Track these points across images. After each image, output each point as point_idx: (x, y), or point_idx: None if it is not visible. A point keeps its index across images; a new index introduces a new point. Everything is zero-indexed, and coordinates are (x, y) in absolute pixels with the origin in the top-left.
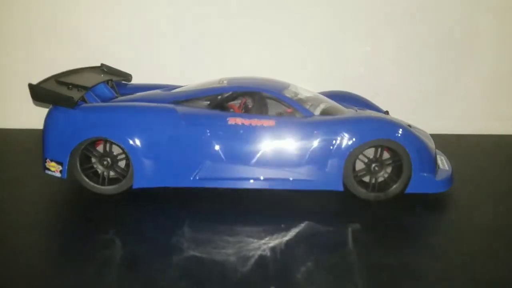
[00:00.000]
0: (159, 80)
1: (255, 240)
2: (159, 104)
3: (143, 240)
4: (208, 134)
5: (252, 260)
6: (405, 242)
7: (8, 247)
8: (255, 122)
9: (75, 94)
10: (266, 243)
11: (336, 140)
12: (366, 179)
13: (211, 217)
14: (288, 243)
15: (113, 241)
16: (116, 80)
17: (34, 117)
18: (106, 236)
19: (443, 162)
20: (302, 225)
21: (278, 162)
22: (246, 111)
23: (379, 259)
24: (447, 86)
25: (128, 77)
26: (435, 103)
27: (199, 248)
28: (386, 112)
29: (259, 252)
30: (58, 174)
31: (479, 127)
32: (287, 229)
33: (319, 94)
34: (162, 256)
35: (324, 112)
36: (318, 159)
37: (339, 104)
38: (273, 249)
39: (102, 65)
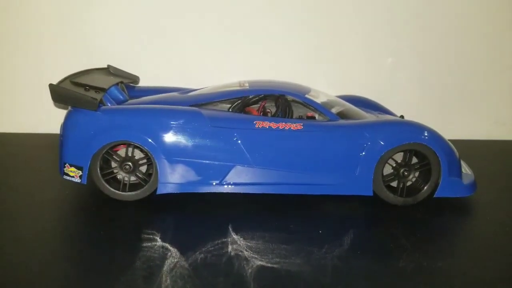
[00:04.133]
0: (165, 83)
1: (316, 249)
2: (184, 107)
3: (194, 248)
4: (235, 137)
5: (329, 270)
6: (446, 245)
7: (39, 258)
8: (282, 125)
9: (95, 96)
10: (328, 252)
11: (366, 144)
12: (394, 183)
13: (250, 224)
14: (349, 251)
15: (166, 249)
16: (125, 83)
17: (40, 121)
18: (152, 244)
19: (464, 167)
20: (350, 233)
21: (306, 166)
22: (264, 114)
23: (429, 265)
24: (451, 94)
25: (135, 79)
26: (445, 109)
27: (265, 258)
28: (401, 117)
29: (328, 262)
30: (77, 180)
31: (484, 133)
32: (339, 237)
33: (337, 98)
34: (227, 266)
35: (341, 115)
36: (347, 163)
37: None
38: (340, 258)
39: (109, 66)
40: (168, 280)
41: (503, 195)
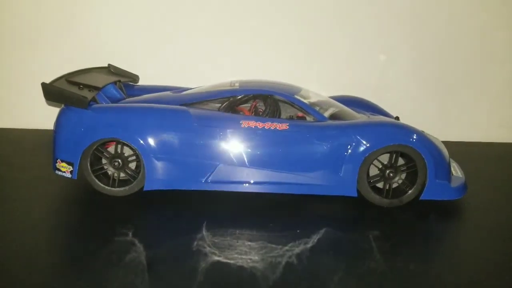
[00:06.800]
0: (163, 82)
1: (278, 246)
2: (172, 106)
3: (163, 244)
4: (221, 136)
5: (281, 267)
6: (423, 248)
7: (22, 250)
8: (268, 125)
9: (87, 94)
10: (290, 250)
11: (351, 145)
12: (380, 185)
13: (227, 221)
14: (312, 250)
15: (133, 244)
16: (123, 81)
17: (42, 117)
18: (124, 239)
19: (455, 169)
20: (321, 232)
21: (291, 166)
22: (256, 114)
23: (400, 267)
24: (453, 95)
25: (135, 78)
26: (446, 110)
27: (223, 254)
28: (397, 118)
29: (285, 259)
30: (68, 175)
31: (489, 135)
32: (307, 236)
33: (329, 99)
34: (185, 261)
35: (333, 116)
36: (332, 164)
37: (350, 109)
38: (299, 256)
39: (109, 65)
40: (120, 274)
41: (495, 200)
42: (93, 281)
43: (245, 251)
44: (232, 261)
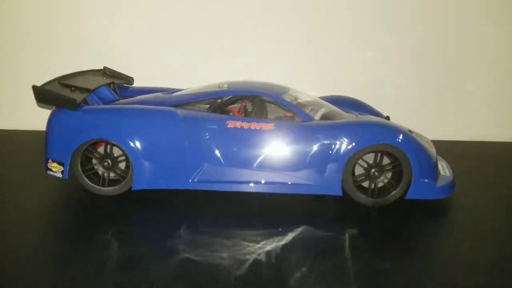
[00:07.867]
0: (160, 84)
1: (251, 244)
2: (160, 107)
3: (141, 241)
4: (208, 137)
5: (247, 264)
6: (402, 247)
7: (9, 246)
8: (254, 125)
9: (78, 96)
10: (261, 247)
11: (335, 144)
12: (365, 184)
13: (209, 220)
14: (283, 247)
15: (111, 242)
16: (118, 83)
17: (37, 118)
18: (104, 237)
19: (444, 168)
20: (299, 230)
21: (276, 165)
22: (246, 115)
23: (376, 265)
24: (449, 93)
25: (130, 80)
26: (437, 109)
27: (195, 251)
28: (387, 117)
29: (254, 256)
30: (59, 175)
31: (480, 134)
32: (284, 234)
33: (319, 99)
34: (158, 258)
35: (324, 117)
36: (317, 163)
37: (340, 109)
38: (268, 253)
39: (105, 68)
40: (90, 271)
41: (484, 200)
42: (73, 280)
43: (217, 249)
44: (201, 258)
